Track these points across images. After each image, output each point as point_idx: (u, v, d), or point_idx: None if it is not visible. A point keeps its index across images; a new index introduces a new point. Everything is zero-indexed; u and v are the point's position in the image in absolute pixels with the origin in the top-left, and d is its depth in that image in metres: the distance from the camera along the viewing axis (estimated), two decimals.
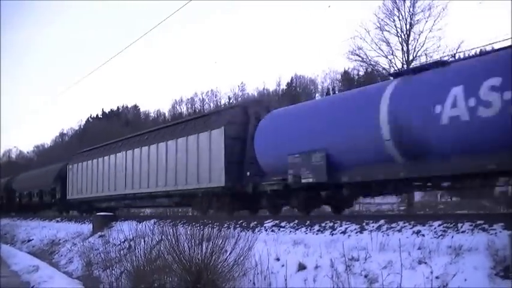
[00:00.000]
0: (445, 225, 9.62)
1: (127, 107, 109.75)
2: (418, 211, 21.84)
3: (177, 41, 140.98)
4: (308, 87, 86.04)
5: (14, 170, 63.58)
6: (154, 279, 10.69)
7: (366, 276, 8.79)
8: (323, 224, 12.24)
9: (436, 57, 31.07)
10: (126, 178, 27.18)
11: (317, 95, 76.83)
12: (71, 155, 40.64)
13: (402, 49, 32.45)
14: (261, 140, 18.07)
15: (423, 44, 32.11)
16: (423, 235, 9.54)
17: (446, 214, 12.73)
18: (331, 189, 15.67)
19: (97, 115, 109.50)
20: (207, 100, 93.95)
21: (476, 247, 8.08)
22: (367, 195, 18.05)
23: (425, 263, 8.25)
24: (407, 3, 32.07)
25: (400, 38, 32.59)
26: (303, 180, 15.53)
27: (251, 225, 14.21)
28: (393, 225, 10.59)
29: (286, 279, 9.56)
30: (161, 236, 11.34)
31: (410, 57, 32.58)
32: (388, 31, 32.70)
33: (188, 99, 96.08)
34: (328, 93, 70.70)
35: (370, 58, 33.46)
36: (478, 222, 9.25)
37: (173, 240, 10.31)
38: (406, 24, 32.26)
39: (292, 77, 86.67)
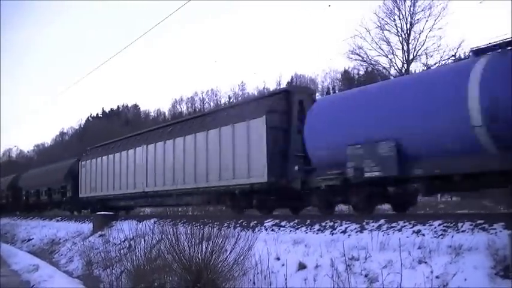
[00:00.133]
0: (445, 224, 9.63)
1: (127, 106, 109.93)
2: (418, 210, 21.76)
3: (177, 40, 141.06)
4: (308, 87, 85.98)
5: (14, 169, 63.32)
6: (154, 279, 10.70)
7: (366, 276, 8.79)
8: (323, 224, 12.25)
9: (436, 56, 31.18)
10: (148, 175, 25.40)
11: (317, 94, 76.79)
12: (84, 150, 38.44)
13: (402, 48, 32.59)
14: (311, 130, 16.13)
15: (423, 43, 32.29)
16: (423, 235, 9.54)
17: (446, 214, 12.70)
18: (400, 184, 13.90)
19: (97, 114, 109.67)
20: (207, 99, 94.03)
21: (476, 247, 8.08)
22: (445, 191, 16.68)
23: (426, 262, 8.25)
24: (408, 3, 32.25)
25: (400, 37, 32.76)
26: (367, 174, 13.80)
27: (251, 224, 14.20)
28: (393, 224, 10.59)
29: (286, 279, 9.55)
30: (161, 236, 11.34)
31: (411, 57, 32.66)
32: (389, 30, 32.87)
33: (188, 99, 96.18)
34: (328, 93, 70.57)
35: (370, 57, 33.61)
36: (478, 221, 9.25)
37: (173, 239, 10.31)
38: (406, 24, 32.43)
39: (292, 76, 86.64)
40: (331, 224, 12.03)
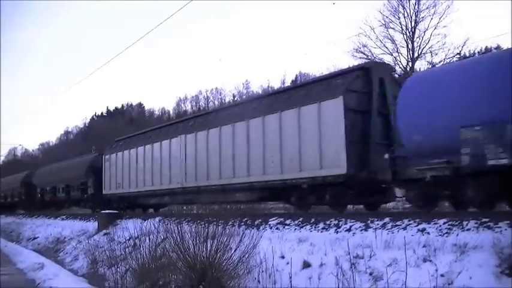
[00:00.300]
0: (450, 223, 9.61)
1: (131, 105, 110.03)
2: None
3: (181, 39, 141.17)
4: None
5: (19, 168, 63.27)
6: (159, 277, 10.72)
7: (370, 274, 8.78)
8: (328, 222, 12.25)
9: (441, 54, 31.09)
10: (187, 168, 22.61)
11: None
12: (107, 143, 35.83)
13: (407, 46, 32.48)
14: (405, 111, 13.51)
15: (428, 42, 32.17)
16: (428, 233, 9.53)
17: (451, 212, 12.61)
18: None
19: (101, 113, 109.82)
20: (211, 98, 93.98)
21: (481, 245, 8.06)
22: None
23: (430, 260, 8.23)
24: (413, 1, 32.09)
25: (405, 36, 32.64)
26: (491, 162, 11.25)
27: (256, 222, 14.21)
28: (398, 223, 10.59)
29: (291, 277, 9.55)
30: (166, 234, 11.36)
31: (415, 55, 32.58)
32: (393, 28, 32.75)
33: (193, 97, 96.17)
34: None
35: (375, 55, 33.44)
36: (483, 220, 9.23)
37: (178, 238, 10.33)
38: (411, 22, 32.32)
39: (296, 75, 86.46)
40: (336, 222, 12.03)
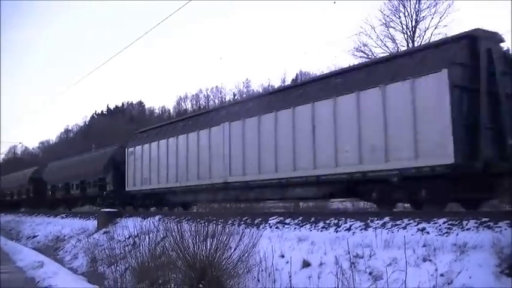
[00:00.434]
0: (450, 222, 9.60)
1: (132, 103, 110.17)
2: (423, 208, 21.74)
3: (182, 38, 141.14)
4: None
5: (19, 167, 63.01)
6: (158, 276, 10.72)
7: (370, 274, 8.78)
8: (327, 221, 12.23)
9: None
10: (232, 161, 19.86)
11: None
12: (131, 135, 33.02)
13: (407, 46, 32.43)
14: None
15: (429, 41, 32.07)
16: (428, 232, 9.53)
17: (451, 211, 12.58)
18: None
19: (102, 111, 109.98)
20: (211, 96, 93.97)
21: (481, 245, 8.06)
22: None
23: (430, 260, 8.23)
24: (413, 0, 32.05)
25: (405, 35, 32.64)
26: None
27: (255, 221, 14.20)
28: (398, 222, 10.57)
29: (290, 276, 9.55)
30: (166, 233, 11.35)
31: None
32: (394, 28, 32.74)
33: (193, 96, 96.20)
34: None
35: (375, 55, 33.43)
36: (483, 219, 9.23)
37: (178, 236, 10.32)
38: (411, 21, 32.30)
39: (297, 73, 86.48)
40: (336, 221, 12.02)
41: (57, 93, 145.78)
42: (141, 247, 12.18)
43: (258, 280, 10.12)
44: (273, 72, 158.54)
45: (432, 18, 31.83)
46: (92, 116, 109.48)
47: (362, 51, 33.90)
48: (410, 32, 32.45)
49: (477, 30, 13.69)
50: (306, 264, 10.03)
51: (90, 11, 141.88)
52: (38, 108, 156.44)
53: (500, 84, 13.48)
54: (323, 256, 10.03)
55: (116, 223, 21.19)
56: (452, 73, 12.84)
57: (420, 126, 13.25)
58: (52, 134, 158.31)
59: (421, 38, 32.28)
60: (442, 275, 7.72)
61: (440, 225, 9.61)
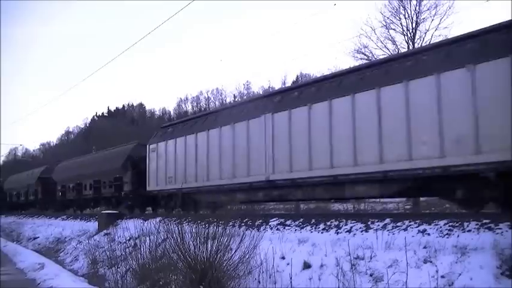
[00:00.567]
0: (450, 224, 9.60)
1: (132, 105, 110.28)
2: (424, 210, 21.75)
3: (182, 40, 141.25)
4: None
5: (20, 168, 62.68)
6: (159, 278, 10.73)
7: (371, 275, 8.78)
8: (328, 223, 12.22)
9: None
10: (276, 156, 17.43)
11: None
12: (153, 132, 28.99)
13: (408, 47, 32.37)
14: None
15: (429, 43, 32.05)
16: (429, 234, 9.52)
17: (452, 213, 12.55)
18: None
19: (102, 113, 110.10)
20: (212, 98, 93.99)
21: (482, 246, 8.07)
22: None
23: (431, 262, 8.24)
24: (414, 2, 32.00)
25: (405, 37, 32.51)
26: None
27: (256, 223, 14.20)
28: (399, 224, 10.56)
29: (291, 278, 9.55)
30: (166, 234, 11.36)
31: None
32: (394, 29, 32.60)
33: (193, 98, 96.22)
34: None
35: (376, 56, 33.39)
36: (484, 221, 9.22)
37: (178, 238, 10.33)
38: (412, 23, 32.20)
39: (297, 75, 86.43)
40: (336, 223, 12.01)
41: (58, 95, 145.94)
42: (141, 249, 12.20)
43: (259, 282, 10.12)
44: (274, 74, 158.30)
45: (432, 20, 31.75)
46: (93, 117, 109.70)
47: (362, 53, 33.82)
48: (410, 33, 32.38)
49: None
50: (306, 265, 10.04)
51: (92, 12, 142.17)
52: (39, 109, 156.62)
53: None
54: (324, 258, 10.03)
55: (116, 225, 21.19)
56: None
57: None
58: (53, 136, 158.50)
59: (422, 39, 32.23)
60: (443, 276, 7.72)
61: (441, 227, 9.60)
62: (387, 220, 11.03)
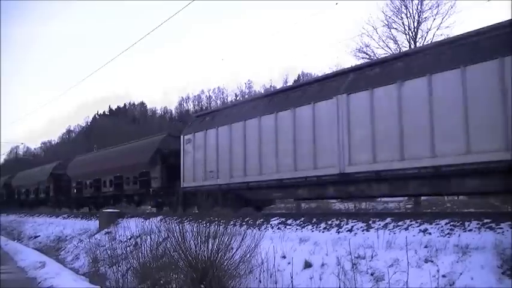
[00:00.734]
0: (452, 223, 9.60)
1: (134, 104, 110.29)
2: (425, 209, 21.76)
3: (184, 39, 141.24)
4: None
5: (22, 167, 62.30)
6: (160, 276, 10.72)
7: (372, 275, 8.78)
8: (329, 222, 12.22)
9: None
10: (352, 144, 14.58)
11: None
12: (188, 121, 26.96)
13: (410, 47, 32.35)
14: None
15: (431, 42, 32.01)
16: (430, 233, 9.52)
17: (453, 212, 12.52)
18: None
19: (104, 112, 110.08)
20: (213, 97, 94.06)
21: (483, 246, 8.06)
22: None
23: (432, 261, 8.23)
24: (415, 1, 31.97)
25: (407, 36, 32.49)
26: None
27: (257, 222, 14.19)
28: (400, 223, 10.56)
29: (292, 277, 9.55)
30: (167, 233, 11.35)
31: None
32: (396, 28, 32.58)
33: (195, 97, 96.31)
34: None
35: (377, 56, 33.37)
36: (486, 220, 9.21)
37: (179, 237, 10.33)
38: (413, 22, 32.17)
39: (299, 74, 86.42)
40: (338, 222, 12.00)
41: (58, 95, 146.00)
42: (142, 247, 12.18)
43: (260, 281, 10.11)
44: (275, 73, 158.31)
45: (434, 19, 31.71)
46: (94, 116, 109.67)
47: (364, 52, 33.81)
48: (412, 33, 32.35)
49: None
50: (307, 265, 10.03)
51: (94, 11, 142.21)
52: (38, 110, 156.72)
53: None
54: (325, 257, 10.03)
55: (117, 223, 21.19)
56: None
57: None
58: (54, 135, 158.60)
59: (423, 39, 32.19)
60: (444, 276, 7.72)
61: (442, 226, 9.60)
62: (388, 219, 11.03)
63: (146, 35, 47.79)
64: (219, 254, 9.94)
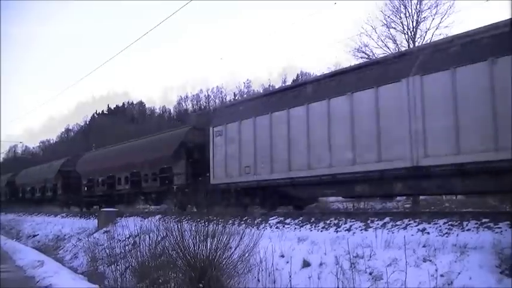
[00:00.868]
0: (450, 223, 9.62)
1: (132, 103, 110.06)
2: (424, 209, 21.74)
3: (183, 38, 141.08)
4: None
5: (22, 166, 61.72)
6: (158, 275, 10.72)
7: (370, 274, 8.78)
8: (328, 221, 12.23)
9: None
10: (428, 132, 12.34)
11: None
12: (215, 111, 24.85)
13: (408, 46, 32.35)
14: None
15: (429, 42, 32.02)
16: (428, 233, 9.54)
17: (451, 212, 12.45)
18: None
19: (102, 111, 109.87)
20: (212, 97, 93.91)
21: (481, 245, 8.07)
22: None
23: (430, 260, 8.24)
24: (414, 1, 31.98)
25: (406, 36, 32.49)
26: None
27: (256, 221, 14.19)
28: (398, 222, 10.58)
29: (290, 276, 9.55)
30: (166, 232, 11.35)
31: None
32: (395, 28, 32.57)
33: (193, 96, 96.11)
34: None
35: (376, 55, 33.37)
36: (484, 220, 9.23)
37: (178, 236, 10.33)
38: (412, 22, 32.17)
39: (298, 74, 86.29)
40: (336, 221, 12.02)
41: (56, 94, 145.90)
42: (141, 246, 12.19)
43: (258, 280, 10.12)
44: (274, 72, 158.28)
45: (433, 19, 31.72)
46: (93, 115, 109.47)
47: (363, 52, 33.81)
48: (411, 32, 32.36)
49: None
50: (306, 264, 10.04)
51: (93, 10, 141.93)
52: (37, 109, 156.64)
53: None
54: (323, 256, 10.04)
55: (116, 222, 21.17)
56: None
57: None
58: (53, 134, 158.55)
59: (422, 38, 32.19)
60: (442, 275, 7.72)
61: (440, 226, 9.62)
62: (387, 219, 11.05)
63: (144, 35, 47.63)
64: (218, 253, 9.94)
